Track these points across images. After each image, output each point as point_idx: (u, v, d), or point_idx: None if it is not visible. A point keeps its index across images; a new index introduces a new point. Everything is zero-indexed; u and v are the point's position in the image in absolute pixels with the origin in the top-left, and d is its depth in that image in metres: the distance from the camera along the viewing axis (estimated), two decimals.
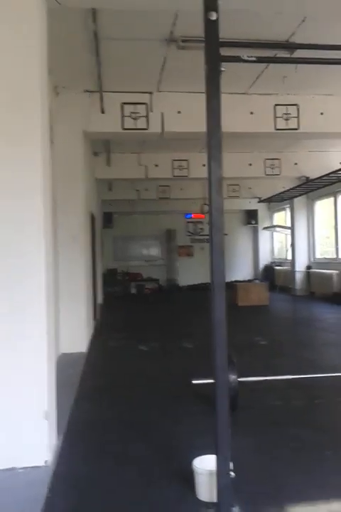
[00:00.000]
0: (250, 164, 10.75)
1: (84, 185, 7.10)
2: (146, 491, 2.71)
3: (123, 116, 6.81)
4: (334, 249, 13.38)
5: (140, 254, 17.70)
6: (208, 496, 2.50)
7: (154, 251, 17.96)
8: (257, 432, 3.60)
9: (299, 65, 5.46)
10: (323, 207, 14.21)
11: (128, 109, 6.81)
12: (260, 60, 2.72)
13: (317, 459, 3.08)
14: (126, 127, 6.85)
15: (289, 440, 3.41)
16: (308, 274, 14.29)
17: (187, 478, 2.68)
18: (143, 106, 6.82)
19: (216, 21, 2.31)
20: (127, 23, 4.85)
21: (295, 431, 3.59)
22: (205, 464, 2.56)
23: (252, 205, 16.71)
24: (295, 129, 7.03)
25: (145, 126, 6.85)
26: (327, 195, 13.38)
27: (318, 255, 14.35)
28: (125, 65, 5.97)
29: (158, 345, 7.24)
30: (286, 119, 6.95)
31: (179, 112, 6.77)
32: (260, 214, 17.80)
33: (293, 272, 14.72)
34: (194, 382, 3.99)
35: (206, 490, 2.51)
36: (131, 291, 16.71)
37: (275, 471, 2.93)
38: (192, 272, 17.21)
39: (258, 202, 15.38)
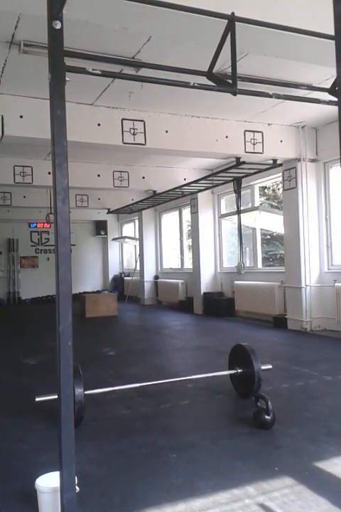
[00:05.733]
0: (99, 175, 10.79)
1: None
2: None
3: None
4: (179, 260, 14.13)
5: None
6: None
7: None
8: (104, 443, 3.59)
9: (144, 83, 5.66)
10: (170, 220, 14.91)
11: None
12: (105, 74, 2.75)
13: (163, 463, 3.17)
14: None
15: (136, 448, 3.47)
16: (156, 284, 14.86)
17: (30, 498, 2.56)
18: None
19: (60, 30, 2.27)
20: None
21: (142, 438, 3.67)
22: (49, 482, 2.47)
23: (101, 215, 16.82)
24: (142, 144, 7.24)
25: None
26: (173, 209, 14.09)
27: (165, 266, 14.99)
28: None
29: None
30: (133, 134, 7.13)
31: (21, 117, 6.46)
32: (109, 225, 17.99)
33: (141, 281, 15.16)
34: (38, 399, 3.83)
35: (49, 509, 2.42)
36: None
37: (123, 480, 2.94)
38: (36, 284, 16.59)
39: (108, 213, 15.53)
